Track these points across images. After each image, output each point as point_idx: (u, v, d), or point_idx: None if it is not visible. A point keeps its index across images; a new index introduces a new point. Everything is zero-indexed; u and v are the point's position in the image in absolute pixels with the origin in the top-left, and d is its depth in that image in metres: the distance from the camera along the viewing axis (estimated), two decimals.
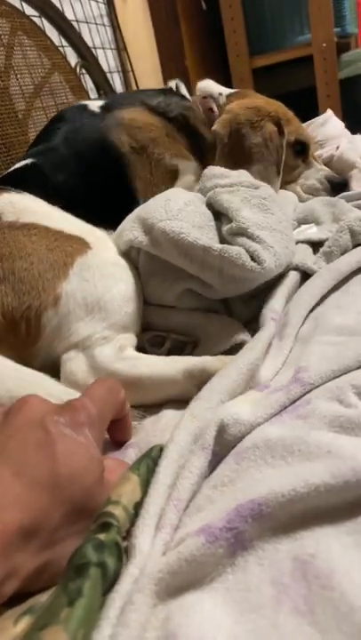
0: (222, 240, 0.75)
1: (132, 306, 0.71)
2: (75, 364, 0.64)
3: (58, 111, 1.51)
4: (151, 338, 0.72)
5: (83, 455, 0.39)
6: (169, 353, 0.72)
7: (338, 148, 1.16)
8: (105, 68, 2.04)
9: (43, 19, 1.54)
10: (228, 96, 1.15)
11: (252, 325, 0.71)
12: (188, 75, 2.61)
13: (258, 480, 0.39)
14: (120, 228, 0.80)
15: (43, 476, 0.36)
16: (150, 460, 0.45)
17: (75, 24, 1.80)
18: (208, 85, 1.18)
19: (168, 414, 0.62)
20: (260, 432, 0.48)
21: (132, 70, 2.27)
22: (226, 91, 1.18)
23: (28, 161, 0.94)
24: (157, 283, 0.75)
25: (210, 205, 0.80)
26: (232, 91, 1.18)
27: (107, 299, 0.68)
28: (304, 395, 0.52)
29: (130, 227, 0.77)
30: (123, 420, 0.54)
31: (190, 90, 1.17)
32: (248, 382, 0.59)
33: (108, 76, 2.05)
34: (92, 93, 1.86)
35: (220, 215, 0.79)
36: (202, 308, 0.75)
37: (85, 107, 1.03)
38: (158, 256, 0.74)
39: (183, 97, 1.10)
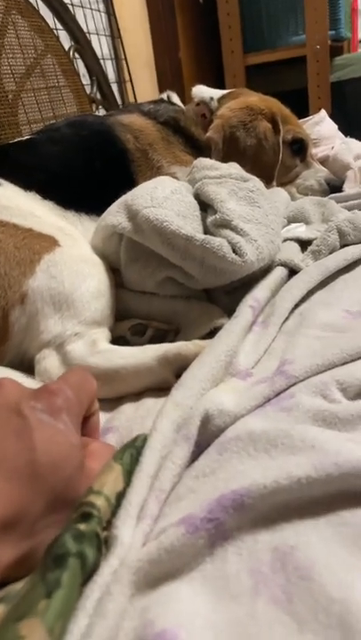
0: (206, 231, 0.74)
1: (103, 301, 0.70)
2: (48, 362, 0.63)
3: (48, 94, 1.49)
4: (132, 326, 0.71)
5: (62, 443, 0.38)
6: (151, 341, 0.70)
7: (333, 148, 1.16)
8: (98, 54, 2.02)
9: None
10: (220, 99, 1.14)
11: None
12: (181, 67, 2.59)
13: (240, 471, 0.38)
14: (106, 212, 0.78)
15: (21, 467, 0.35)
16: (134, 450, 0.44)
17: (70, 7, 1.77)
18: (200, 90, 1.17)
19: (148, 402, 0.61)
20: (243, 424, 0.47)
21: (125, 58, 2.24)
22: (218, 93, 1.16)
23: (25, 138, 0.94)
24: (139, 269, 0.73)
25: (197, 196, 0.79)
26: (224, 92, 1.16)
27: (75, 296, 0.67)
28: (288, 388, 0.52)
29: (115, 211, 0.75)
30: (92, 417, 0.52)
31: (184, 98, 1.16)
32: (227, 368, 0.58)
33: (101, 62, 2.02)
34: (85, 79, 1.83)
35: (206, 206, 0.78)
36: (183, 295, 0.74)
37: (89, 113, 1.07)
38: (141, 243, 0.72)
39: (174, 104, 1.09)
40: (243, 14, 2.53)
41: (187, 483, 0.41)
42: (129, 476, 0.41)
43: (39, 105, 1.39)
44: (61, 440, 0.38)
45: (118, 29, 2.23)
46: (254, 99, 1.08)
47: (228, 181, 0.79)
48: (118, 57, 2.25)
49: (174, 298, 0.73)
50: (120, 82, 2.27)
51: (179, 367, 0.61)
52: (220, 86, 2.57)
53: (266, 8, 2.59)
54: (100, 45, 2.12)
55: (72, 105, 1.55)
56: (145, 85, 2.44)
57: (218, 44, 2.61)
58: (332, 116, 2.53)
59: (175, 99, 1.10)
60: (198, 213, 0.76)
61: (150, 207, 0.71)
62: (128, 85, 2.30)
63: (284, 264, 0.80)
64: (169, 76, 2.58)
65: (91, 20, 2.04)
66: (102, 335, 0.67)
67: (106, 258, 0.77)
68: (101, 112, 1.86)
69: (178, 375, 0.61)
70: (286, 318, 0.70)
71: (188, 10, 2.59)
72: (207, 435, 0.47)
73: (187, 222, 0.72)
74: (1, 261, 0.67)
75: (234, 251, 0.68)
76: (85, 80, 1.86)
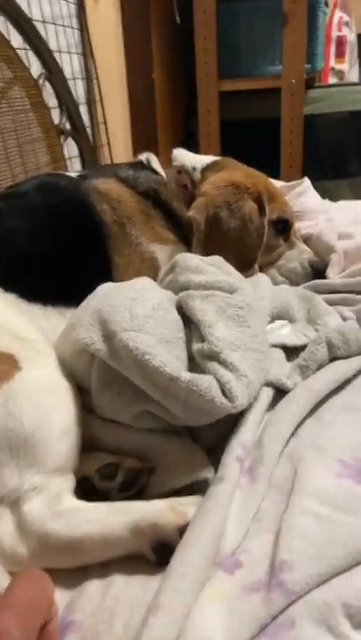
0: (190, 355, 0.67)
1: (70, 440, 0.61)
2: (2, 525, 0.54)
3: (14, 128, 1.37)
4: (101, 468, 0.62)
5: None
6: (122, 486, 0.62)
7: (316, 224, 1.10)
8: (68, 73, 1.90)
9: (8, 23, 1.38)
10: (204, 170, 1.05)
11: (218, 452, 0.64)
12: (154, 88, 2.50)
13: None
14: (75, 318, 0.70)
15: None
16: None
17: (40, 24, 1.65)
18: (182, 156, 1.08)
19: (118, 580, 0.53)
20: None
21: (97, 78, 2.13)
22: (201, 162, 1.07)
23: None
24: (112, 396, 0.65)
25: (180, 308, 0.71)
26: (208, 161, 1.08)
27: (36, 438, 0.58)
28: (287, 607, 0.45)
29: (87, 324, 0.67)
30: (47, 625, 0.43)
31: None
32: (213, 560, 0.51)
33: (71, 83, 1.91)
34: (55, 113, 1.71)
35: (190, 321, 0.70)
36: (161, 429, 0.66)
37: (62, 173, 0.97)
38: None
39: (154, 171, 1.00)
40: (220, 39, 2.47)
41: None
42: None
43: (3, 134, 1.27)
44: None
45: (91, 47, 2.11)
46: (240, 174, 1.01)
47: (215, 295, 0.71)
48: (90, 76, 2.13)
49: (151, 431, 0.65)
50: (90, 102, 2.16)
51: (155, 540, 0.54)
52: (193, 110, 2.50)
53: (244, 35, 2.53)
54: (72, 63, 2.00)
55: (40, 140, 1.43)
56: (115, 106, 2.33)
57: (192, 67, 2.53)
58: (304, 150, 2.52)
59: (155, 164, 1.02)
60: (183, 335, 0.68)
61: (130, 331, 0.63)
62: (98, 106, 2.19)
63: (270, 384, 0.74)
64: (141, 97, 2.48)
65: (62, 37, 1.93)
66: (66, 485, 0.59)
67: (73, 373, 0.68)
68: (69, 145, 1.74)
69: (154, 548, 0.54)
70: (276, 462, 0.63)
71: (164, 30, 2.50)
72: None
73: (171, 349, 0.64)
74: None
75: (223, 391, 0.61)
76: (55, 113, 1.74)
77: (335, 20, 3.76)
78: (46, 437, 0.58)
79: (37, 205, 0.86)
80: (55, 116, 1.59)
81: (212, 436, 0.67)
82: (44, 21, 1.72)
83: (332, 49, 3.78)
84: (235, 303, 0.71)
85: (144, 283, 0.74)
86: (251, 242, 0.97)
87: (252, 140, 2.44)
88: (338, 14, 3.79)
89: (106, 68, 2.25)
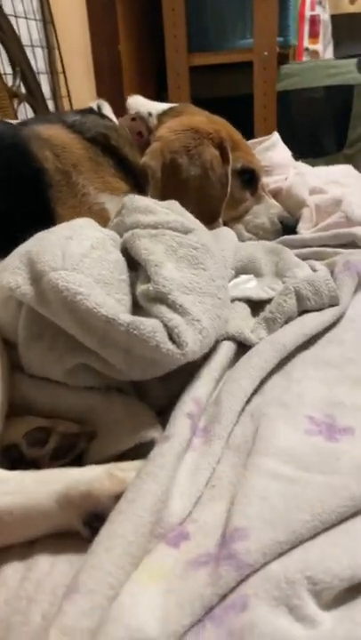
0: (135, 302, 0.57)
1: None
2: None
3: None
4: (29, 433, 0.53)
5: None
6: (54, 453, 0.52)
7: (286, 179, 1.01)
8: (26, 40, 1.79)
9: None
10: (160, 115, 0.95)
11: (169, 414, 0.54)
12: (121, 61, 2.39)
13: None
14: (2, 265, 0.59)
15: None
16: None
17: None
18: (137, 102, 0.98)
19: (42, 562, 0.43)
20: None
21: (59, 47, 2.02)
22: (157, 108, 0.98)
23: None
24: (42, 350, 0.55)
25: (125, 250, 0.62)
26: (165, 107, 0.98)
27: None
28: (239, 584, 0.36)
29: (14, 266, 0.57)
30: None
31: (124, 98, 0.98)
32: (153, 529, 0.41)
33: (29, 50, 1.79)
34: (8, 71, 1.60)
35: (137, 264, 0.60)
36: (102, 386, 0.56)
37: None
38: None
39: (105, 117, 0.90)
40: (188, 12, 2.37)
41: None
42: None
43: None
44: None
45: (51, 14, 2.00)
46: (200, 119, 0.92)
47: (165, 234, 0.62)
48: (50, 45, 2.02)
49: (89, 390, 0.56)
50: (52, 72, 2.04)
51: (87, 511, 0.44)
52: (163, 85, 2.40)
53: (212, 7, 2.44)
54: (29, 31, 1.89)
55: None
56: (79, 78, 2.22)
57: (161, 41, 2.43)
58: (278, 128, 2.43)
59: (107, 109, 0.92)
60: (126, 277, 0.58)
61: (60, 270, 0.53)
62: (61, 77, 2.07)
63: (231, 337, 0.65)
64: (106, 70, 2.37)
65: (19, 2, 1.81)
66: None
67: (0, 327, 0.58)
68: (24, 110, 1.63)
69: (86, 521, 0.44)
70: (235, 422, 0.54)
71: (131, 1, 2.39)
72: None
73: (110, 291, 0.54)
74: None
75: (170, 337, 0.52)
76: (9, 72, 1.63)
77: None
78: None
79: None
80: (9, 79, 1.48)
81: (161, 395, 0.58)
82: None
83: (306, 29, 3.71)
84: (188, 243, 0.61)
85: (83, 222, 0.64)
86: (213, 192, 0.88)
87: (225, 118, 2.37)
88: None
89: (68, 37, 2.14)
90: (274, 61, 2.39)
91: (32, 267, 0.55)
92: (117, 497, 0.44)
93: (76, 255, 0.55)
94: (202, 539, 0.41)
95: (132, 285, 0.59)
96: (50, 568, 0.42)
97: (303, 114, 2.73)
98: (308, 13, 3.64)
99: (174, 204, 0.72)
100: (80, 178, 0.81)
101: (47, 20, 1.99)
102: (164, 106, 0.97)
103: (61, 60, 2.06)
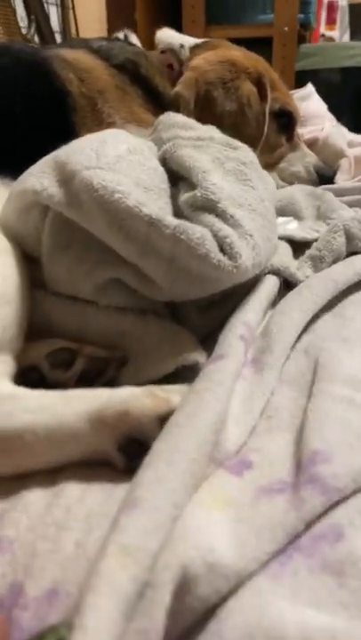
0: (178, 215, 0.50)
1: (7, 311, 0.44)
2: None
3: None
4: (52, 353, 0.45)
5: None
6: (81, 379, 0.45)
7: (322, 130, 0.94)
8: None
9: None
10: (193, 48, 0.88)
11: (209, 344, 0.47)
12: (137, 31, 2.31)
13: None
14: (26, 172, 0.52)
15: None
16: None
17: None
18: (167, 36, 0.90)
19: (69, 490, 0.36)
20: (258, 608, 0.24)
21: (73, 7, 1.93)
22: (190, 41, 0.90)
23: None
24: (70, 262, 0.48)
25: (164, 162, 0.54)
26: (198, 41, 0.91)
27: None
28: (326, 512, 0.29)
29: (39, 171, 0.49)
30: None
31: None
32: (210, 454, 0.34)
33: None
34: (22, 21, 1.51)
35: (178, 179, 0.53)
36: (135, 308, 0.49)
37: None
38: (76, 222, 0.47)
39: (133, 45, 0.83)
40: None
41: None
42: None
43: None
44: None
45: None
46: (237, 53, 0.84)
47: (210, 146, 0.54)
48: (65, 4, 1.92)
49: (121, 311, 0.48)
50: (64, 32, 1.95)
51: (124, 434, 0.37)
52: None
53: None
54: None
55: None
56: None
57: (178, 12, 2.36)
58: None
59: (134, 39, 0.85)
60: (167, 187, 0.51)
61: (95, 168, 0.45)
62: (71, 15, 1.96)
63: (276, 272, 0.58)
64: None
65: None
66: (2, 368, 0.41)
67: (19, 241, 0.51)
68: None
69: (122, 446, 0.37)
70: (288, 352, 0.47)
71: None
72: (185, 617, 0.24)
73: (150, 198, 0.47)
74: None
75: (221, 248, 0.44)
76: (23, 22, 1.54)
77: None
78: None
79: None
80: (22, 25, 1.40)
81: (199, 325, 0.51)
82: None
83: (323, 15, 3.63)
84: (235, 157, 0.54)
85: (116, 130, 0.56)
86: (248, 131, 0.81)
87: None
88: None
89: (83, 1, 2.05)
90: (294, 38, 2.33)
91: (61, 168, 0.48)
92: (161, 420, 0.37)
93: (111, 156, 0.48)
94: (268, 468, 0.34)
95: (173, 199, 0.51)
96: (81, 494, 0.36)
97: (320, 94, 2.66)
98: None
99: (214, 129, 0.65)
100: (106, 106, 0.73)
101: None
102: (197, 40, 0.89)
103: (75, 23, 1.97)
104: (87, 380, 0.45)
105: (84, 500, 0.34)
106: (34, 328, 0.48)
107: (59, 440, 0.37)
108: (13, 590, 0.30)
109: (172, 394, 0.39)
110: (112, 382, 0.46)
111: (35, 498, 0.36)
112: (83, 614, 0.22)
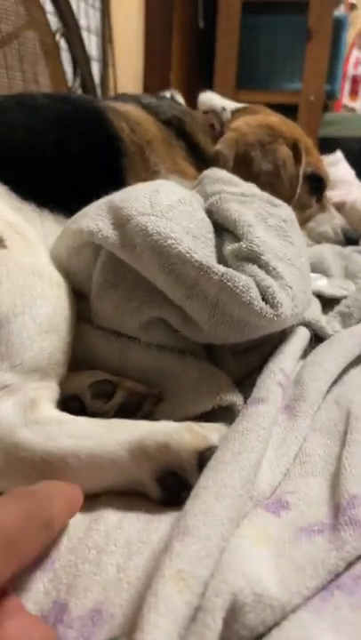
0: (222, 264, 0.53)
1: (55, 339, 0.46)
2: None
3: (22, 74, 1.26)
4: (95, 384, 0.47)
5: None
6: (119, 410, 0.47)
7: (350, 194, 0.98)
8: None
9: None
10: (234, 112, 0.94)
11: (243, 389, 0.49)
12: (170, 87, 2.43)
13: None
14: (80, 213, 0.55)
15: None
16: None
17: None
18: (210, 98, 0.97)
19: (108, 516, 0.37)
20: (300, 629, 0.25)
21: (114, 64, 2.05)
22: (231, 105, 0.97)
23: None
24: (118, 300, 0.50)
25: (210, 213, 0.58)
26: (239, 106, 0.97)
27: (14, 326, 0.43)
28: None
29: (94, 213, 0.53)
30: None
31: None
32: (250, 492, 0.36)
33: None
34: (67, 68, 1.60)
35: (221, 230, 0.56)
36: (175, 348, 0.51)
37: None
38: (127, 263, 0.50)
39: (179, 105, 0.89)
40: (241, 48, 2.43)
41: None
42: None
43: (9, 80, 1.15)
44: None
45: (111, 32, 2.03)
46: (275, 119, 0.90)
47: (253, 202, 0.58)
48: (106, 61, 2.05)
49: (162, 349, 0.50)
50: (103, 86, 2.06)
51: (162, 466, 0.38)
52: None
53: (265, 48, 2.50)
54: (90, 44, 1.92)
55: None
56: None
57: (210, 74, 2.48)
58: None
59: (180, 99, 0.90)
60: (212, 237, 0.54)
61: (150, 215, 0.49)
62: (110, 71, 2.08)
63: (307, 324, 0.60)
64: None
65: (83, 17, 1.84)
66: (46, 393, 0.44)
67: (70, 276, 0.54)
68: None
69: (159, 478, 0.39)
70: (321, 402, 0.49)
71: (187, 31, 2.45)
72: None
73: (198, 245, 0.50)
74: None
75: (263, 298, 0.47)
76: (68, 71, 1.63)
77: (352, 59, 3.79)
78: (27, 327, 0.44)
79: (45, 107, 0.73)
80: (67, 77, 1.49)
81: (235, 370, 0.53)
82: None
83: (347, 86, 3.80)
84: (277, 214, 0.57)
85: (167, 181, 0.60)
86: (282, 191, 0.85)
87: None
88: (355, 53, 3.82)
89: (123, 58, 2.17)
90: (320, 106, 2.43)
91: (116, 212, 0.51)
92: (200, 455, 0.38)
93: (164, 205, 0.51)
94: (306, 509, 0.35)
95: (217, 248, 0.55)
96: (119, 521, 0.37)
97: None
98: (350, 72, 3.74)
99: (255, 186, 0.69)
100: (153, 155, 0.78)
101: (107, 37, 2.03)
102: (238, 104, 0.95)
103: (114, 79, 2.09)
104: (125, 413, 0.47)
105: (122, 526, 0.36)
106: (78, 359, 0.51)
107: (100, 466, 0.39)
108: (57, 608, 0.30)
109: (210, 431, 0.41)
110: (148, 417, 0.48)
111: (73, 522, 0.37)
112: (142, 631, 0.24)
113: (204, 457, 0.38)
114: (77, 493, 0.36)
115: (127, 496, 0.40)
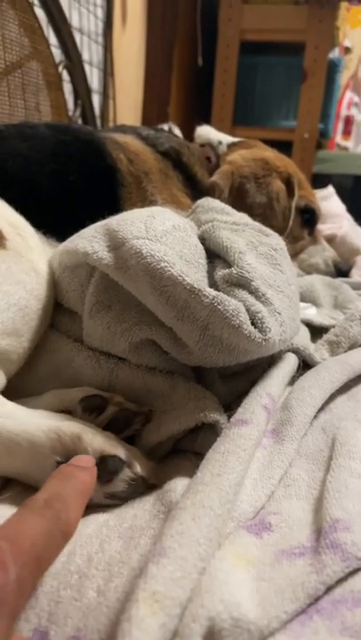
0: (213, 288, 0.54)
1: (18, 316, 0.48)
2: None
3: (25, 102, 1.29)
4: (87, 398, 0.48)
5: None
6: (108, 425, 0.47)
7: (341, 227, 1.00)
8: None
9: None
10: (231, 145, 0.97)
11: (231, 413, 0.49)
12: (168, 120, 2.49)
13: None
14: (77, 234, 0.57)
15: None
16: None
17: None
18: (207, 132, 1.00)
19: (89, 540, 0.37)
20: None
21: (114, 97, 2.10)
22: (227, 139, 1.00)
23: None
24: (109, 321, 0.51)
25: (202, 240, 0.59)
26: (235, 139, 1.01)
27: None
28: (347, 576, 0.30)
29: (90, 235, 0.54)
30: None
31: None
32: (230, 513, 0.36)
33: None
34: (69, 98, 1.64)
35: (213, 257, 0.58)
36: (165, 369, 0.52)
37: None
38: (120, 285, 0.51)
39: (177, 137, 0.92)
40: (238, 86, 2.50)
41: None
42: None
43: (11, 108, 1.18)
44: None
45: (112, 66, 2.09)
46: (270, 154, 0.92)
47: (245, 231, 0.59)
48: (106, 94, 2.10)
49: (151, 370, 0.51)
50: (102, 117, 2.11)
51: (69, 454, 0.41)
52: None
53: (261, 87, 2.58)
54: (92, 77, 1.97)
55: None
56: None
57: (208, 110, 2.55)
58: None
59: (177, 132, 0.93)
60: (205, 262, 0.55)
61: (144, 239, 0.50)
62: (110, 103, 2.13)
63: (295, 351, 0.61)
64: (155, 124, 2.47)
65: (86, 51, 1.90)
66: None
67: (62, 295, 0.55)
68: None
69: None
70: (307, 427, 0.50)
71: (186, 68, 2.53)
72: None
73: (190, 269, 0.51)
74: None
75: (252, 322, 0.48)
76: (69, 101, 1.68)
77: (345, 100, 3.90)
78: None
79: (46, 137, 0.75)
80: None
81: (222, 393, 0.53)
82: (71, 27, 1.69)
83: (340, 126, 3.90)
84: (268, 242, 0.59)
85: (162, 208, 0.62)
86: (275, 223, 0.87)
87: None
88: (348, 95, 3.93)
89: (123, 92, 2.23)
90: (313, 144, 2.49)
91: (112, 235, 0.52)
92: (102, 458, 0.41)
93: (159, 230, 0.53)
94: (288, 531, 0.35)
95: (209, 273, 0.56)
96: (100, 545, 0.36)
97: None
98: (343, 113, 3.85)
99: (247, 216, 0.71)
100: (149, 186, 0.80)
101: (108, 71, 2.09)
102: (234, 138, 0.98)
103: (114, 111, 2.14)
104: (115, 426, 0.47)
105: (103, 549, 0.35)
106: (67, 378, 0.51)
107: (16, 445, 0.41)
108: (37, 636, 0.30)
109: (122, 447, 0.43)
110: (135, 436, 0.48)
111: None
112: None
113: (105, 461, 0.40)
114: (89, 476, 0.37)
115: (107, 515, 0.40)
